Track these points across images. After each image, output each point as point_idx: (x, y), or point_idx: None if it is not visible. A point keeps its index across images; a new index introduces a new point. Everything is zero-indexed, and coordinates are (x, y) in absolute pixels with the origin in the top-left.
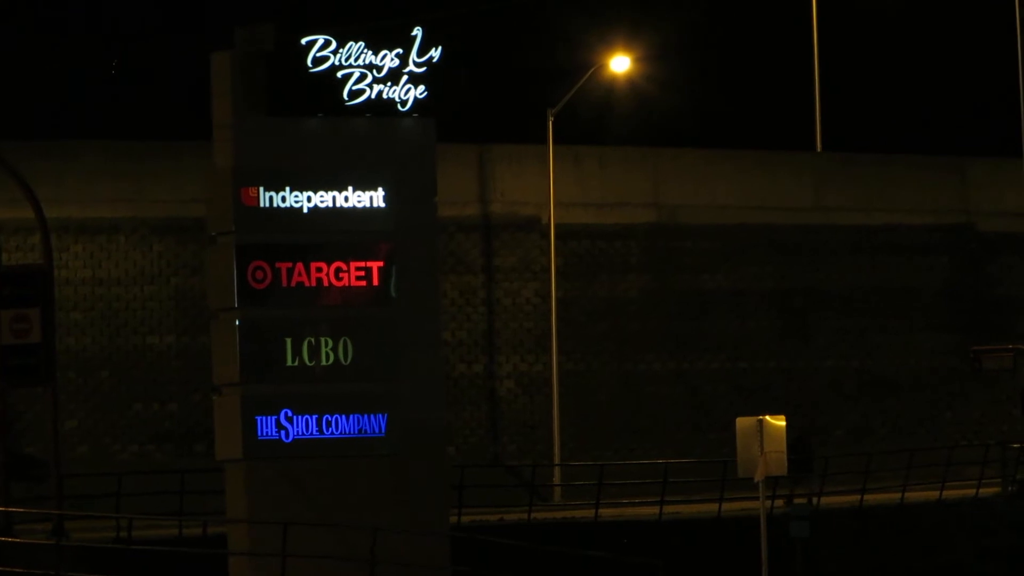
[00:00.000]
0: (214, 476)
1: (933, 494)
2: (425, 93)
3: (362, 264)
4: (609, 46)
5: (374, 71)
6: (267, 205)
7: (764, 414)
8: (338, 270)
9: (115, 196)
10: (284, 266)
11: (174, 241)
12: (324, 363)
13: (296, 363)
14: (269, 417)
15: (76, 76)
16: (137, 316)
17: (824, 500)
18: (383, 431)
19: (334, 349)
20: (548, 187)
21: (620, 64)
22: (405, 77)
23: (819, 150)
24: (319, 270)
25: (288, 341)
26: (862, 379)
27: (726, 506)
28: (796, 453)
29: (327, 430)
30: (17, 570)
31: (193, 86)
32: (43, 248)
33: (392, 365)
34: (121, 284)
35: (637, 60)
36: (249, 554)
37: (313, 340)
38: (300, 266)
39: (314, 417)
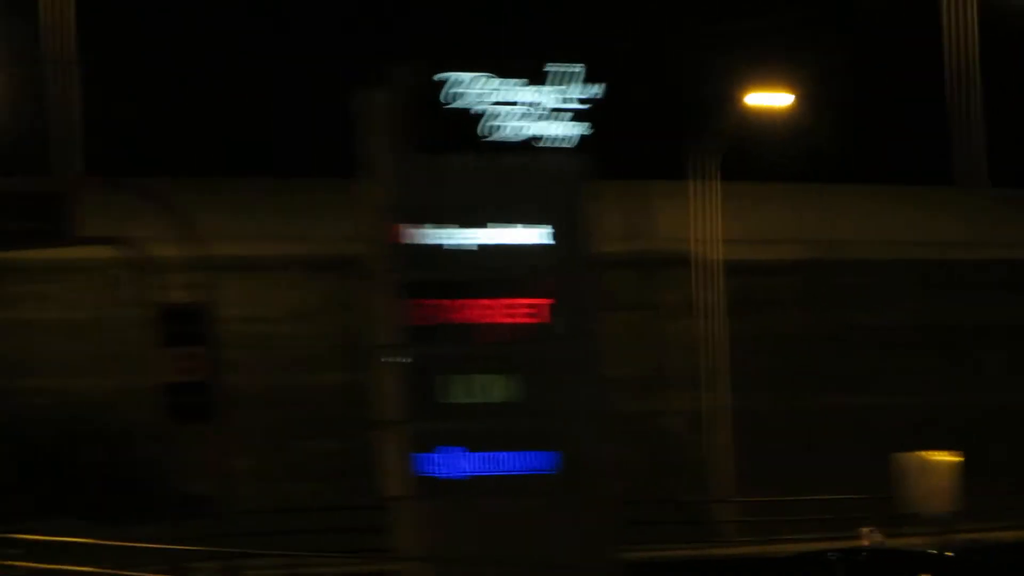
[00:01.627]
0: (380, 513)
1: None
2: (583, 130)
3: (524, 301)
4: (765, 82)
5: (532, 108)
6: (424, 242)
7: (929, 449)
8: (499, 307)
9: (276, 234)
10: (443, 303)
11: (335, 278)
12: (489, 400)
13: (460, 400)
14: (433, 454)
15: (234, 111)
16: (300, 354)
17: (991, 535)
18: (551, 467)
19: (499, 386)
20: (708, 223)
21: (776, 99)
22: (562, 114)
23: (976, 186)
24: (479, 307)
25: (451, 378)
26: None
27: (892, 541)
28: None
29: (494, 467)
30: None
31: (350, 122)
32: (206, 286)
33: (558, 401)
34: (283, 322)
35: (792, 95)
36: None
37: (477, 377)
38: (459, 303)
39: (480, 454)
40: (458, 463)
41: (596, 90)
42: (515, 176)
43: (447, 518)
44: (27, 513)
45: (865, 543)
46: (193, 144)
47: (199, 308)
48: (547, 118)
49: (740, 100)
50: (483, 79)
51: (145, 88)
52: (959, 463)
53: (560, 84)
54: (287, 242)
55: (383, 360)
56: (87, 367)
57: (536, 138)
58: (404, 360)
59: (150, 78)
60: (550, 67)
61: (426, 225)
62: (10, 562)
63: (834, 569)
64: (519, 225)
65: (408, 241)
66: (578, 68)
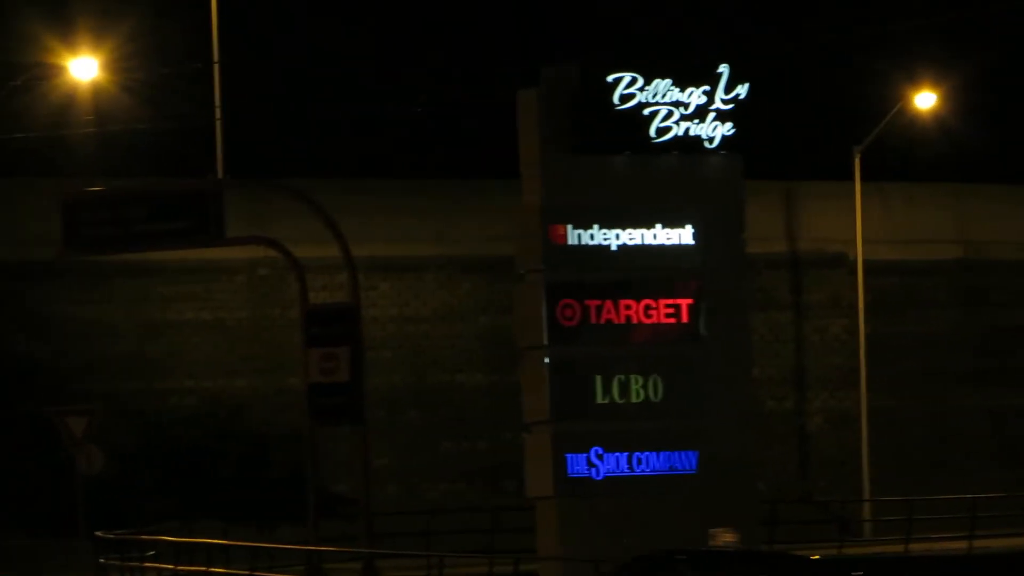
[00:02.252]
0: (524, 514)
1: None
2: (732, 130)
3: (671, 301)
4: (915, 82)
5: (681, 108)
6: (575, 243)
7: None
8: (647, 307)
9: (421, 234)
10: (593, 304)
11: (481, 279)
12: (634, 400)
13: (606, 400)
14: (580, 455)
15: (382, 114)
16: (445, 354)
17: None
18: (694, 468)
19: (644, 386)
20: (855, 224)
21: (925, 100)
22: (712, 114)
23: None
24: (628, 307)
25: (598, 379)
26: None
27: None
28: None
29: (637, 467)
30: None
31: (498, 124)
32: (351, 286)
33: (702, 402)
34: (429, 322)
35: (943, 95)
36: None
37: (623, 377)
38: (609, 304)
39: (624, 455)
40: (602, 463)
41: (744, 90)
42: (667, 177)
43: (590, 518)
44: (169, 514)
45: (717, 543)
46: (340, 146)
47: (345, 309)
48: (692, 118)
49: (888, 100)
50: (642, 80)
51: (291, 89)
52: None
53: (705, 84)
54: (435, 243)
55: (530, 360)
56: (233, 368)
57: (689, 138)
58: (549, 360)
59: (296, 79)
60: (694, 67)
61: (579, 225)
62: (147, 563)
63: (680, 569)
64: (669, 226)
65: (560, 241)
66: (723, 68)
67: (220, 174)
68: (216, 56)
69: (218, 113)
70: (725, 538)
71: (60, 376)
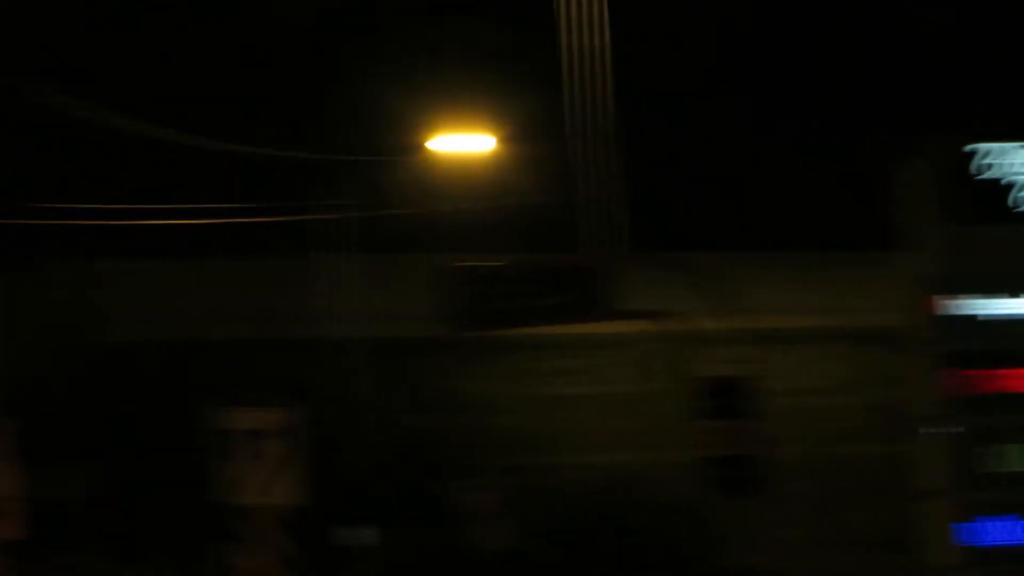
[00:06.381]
0: None
1: None
2: None
3: None
4: None
5: None
6: (959, 313)
7: None
8: None
9: (816, 307)
10: (985, 373)
11: (877, 351)
12: None
13: (1000, 469)
14: (982, 524)
15: (768, 185)
16: (838, 426)
17: None
18: None
19: None
20: None
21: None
22: None
23: None
24: (1019, 377)
25: (1003, 448)
26: None
27: None
28: None
29: None
30: None
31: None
32: (750, 359)
33: None
34: (822, 394)
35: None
36: None
37: (1016, 446)
38: (999, 373)
39: (1021, 522)
40: (1008, 531)
41: None
42: None
43: None
44: None
45: None
46: (728, 219)
47: (743, 381)
48: None
49: None
50: (1011, 149)
51: (686, 161)
52: None
53: None
54: (829, 314)
55: (924, 431)
56: (623, 441)
57: None
58: (952, 430)
59: (690, 152)
60: None
61: (961, 295)
62: None
63: None
64: None
65: (944, 312)
66: None
67: (611, 248)
68: (567, 129)
69: (612, 188)
70: None
71: (443, 448)
